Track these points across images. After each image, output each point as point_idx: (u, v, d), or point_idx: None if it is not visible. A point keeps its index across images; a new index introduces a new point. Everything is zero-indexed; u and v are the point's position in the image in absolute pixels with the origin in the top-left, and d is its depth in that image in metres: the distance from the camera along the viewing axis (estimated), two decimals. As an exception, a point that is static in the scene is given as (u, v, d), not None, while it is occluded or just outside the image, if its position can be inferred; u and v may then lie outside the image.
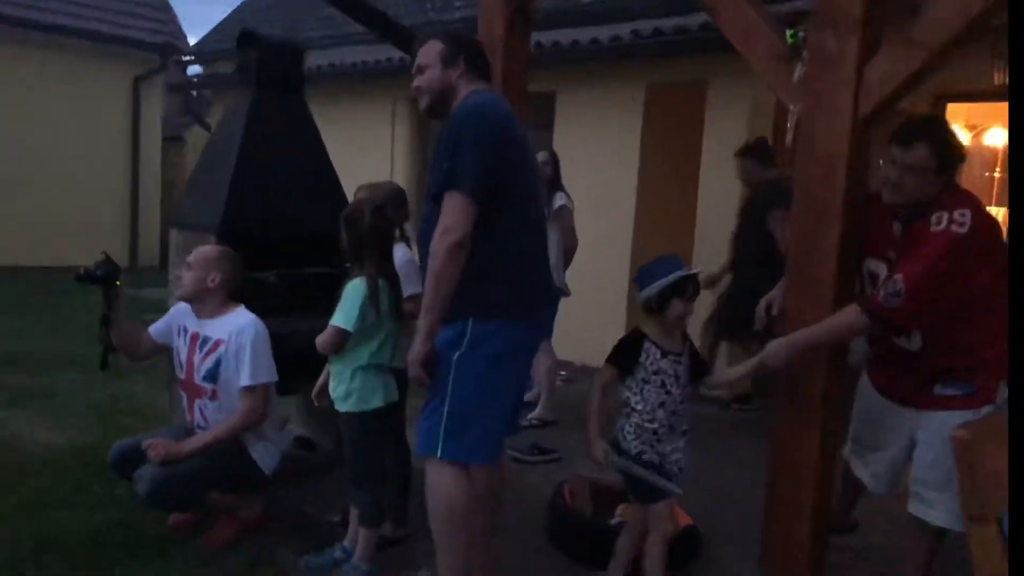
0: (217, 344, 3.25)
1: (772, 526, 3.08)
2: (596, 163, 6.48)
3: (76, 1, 11.33)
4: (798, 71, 2.95)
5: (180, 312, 3.40)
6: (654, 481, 2.89)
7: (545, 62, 6.55)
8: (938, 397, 2.74)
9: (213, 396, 3.29)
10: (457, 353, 2.59)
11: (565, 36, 6.37)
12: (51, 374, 5.67)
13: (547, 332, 2.86)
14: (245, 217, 3.77)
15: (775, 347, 2.79)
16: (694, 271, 2.91)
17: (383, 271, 2.95)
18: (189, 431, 3.37)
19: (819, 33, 2.86)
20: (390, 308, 2.98)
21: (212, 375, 3.26)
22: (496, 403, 2.64)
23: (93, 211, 11.20)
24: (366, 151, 8.22)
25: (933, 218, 2.60)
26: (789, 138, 2.99)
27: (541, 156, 5.24)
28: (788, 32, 2.97)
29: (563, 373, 6.36)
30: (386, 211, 3.07)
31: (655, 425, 2.88)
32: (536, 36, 6.53)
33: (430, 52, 2.68)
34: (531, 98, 6.95)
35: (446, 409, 2.59)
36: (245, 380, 3.21)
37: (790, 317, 2.95)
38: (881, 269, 2.81)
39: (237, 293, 3.34)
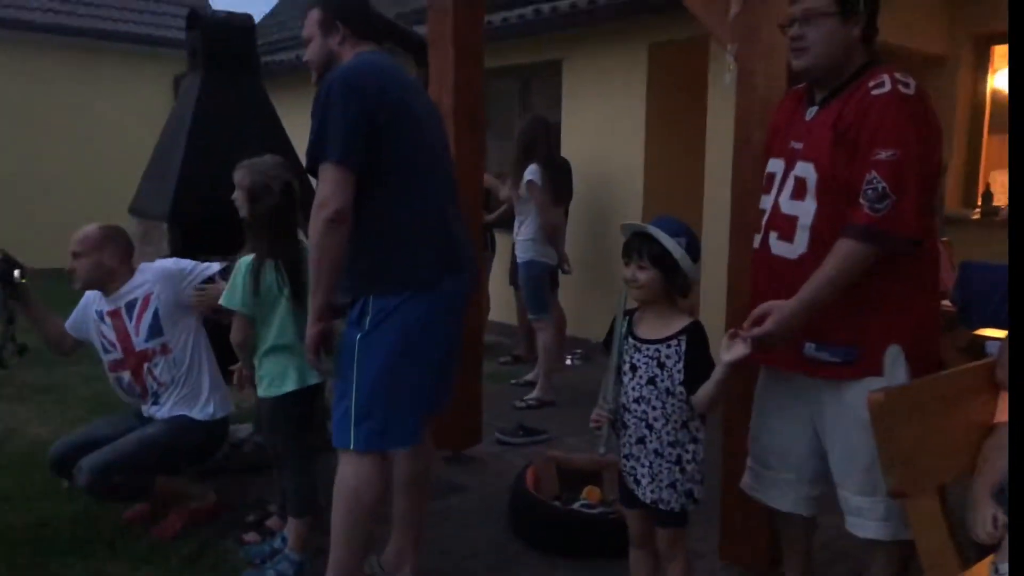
0: (147, 298, 3.23)
1: (729, 510, 2.83)
2: (603, 129, 6.23)
3: (114, 5, 11.59)
4: (733, 7, 2.68)
5: (90, 301, 3.34)
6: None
7: (548, 29, 6.32)
8: (810, 360, 2.21)
9: (163, 350, 3.24)
10: (359, 334, 2.43)
11: (565, 0, 6.11)
12: (66, 368, 5.75)
13: (468, 296, 2.64)
14: (196, 202, 3.68)
15: (784, 316, 2.11)
16: (637, 227, 2.27)
17: (271, 249, 2.83)
18: (139, 414, 3.34)
19: (751, -38, 2.59)
20: (279, 287, 2.84)
21: (155, 328, 3.22)
22: (408, 384, 2.46)
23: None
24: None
25: (871, 83, 2.10)
26: (727, 79, 2.72)
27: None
28: (721, -36, 2.70)
29: (578, 351, 6.15)
30: (282, 188, 2.92)
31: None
32: (537, 5, 6.31)
33: (310, 22, 2.55)
34: (539, 68, 6.76)
35: (353, 396, 2.43)
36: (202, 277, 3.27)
37: (734, 271, 2.70)
38: (778, 167, 2.31)
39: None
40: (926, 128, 2.11)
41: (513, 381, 5.42)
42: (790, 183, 2.26)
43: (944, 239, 5.84)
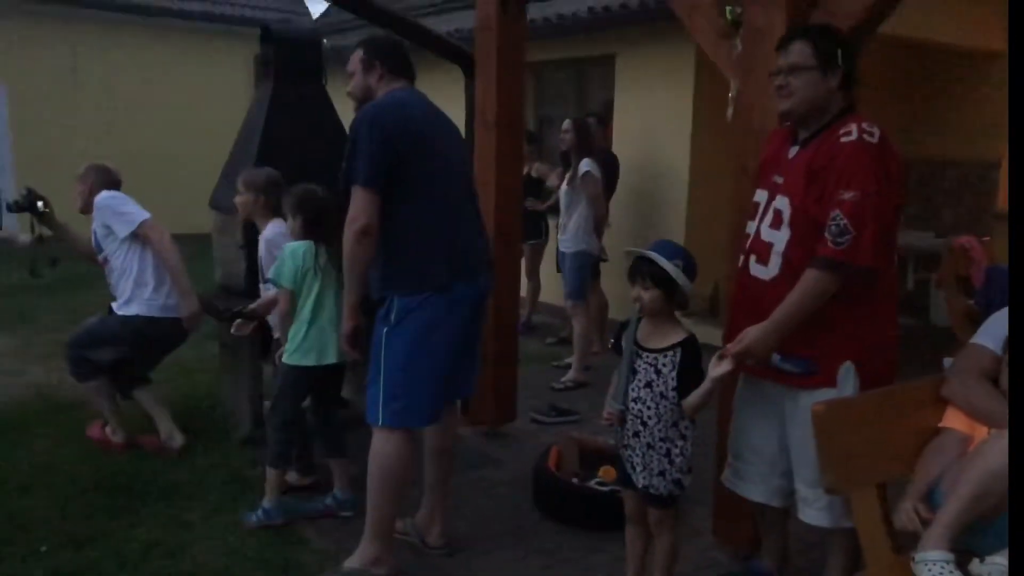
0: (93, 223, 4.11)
1: (721, 498, 3.16)
2: (652, 124, 6.51)
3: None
4: (737, 47, 2.97)
5: None
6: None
7: (601, 25, 6.59)
8: (776, 370, 2.52)
9: (105, 261, 4.13)
10: (386, 328, 2.89)
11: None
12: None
13: (480, 298, 3.06)
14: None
15: (759, 335, 2.46)
16: (640, 252, 2.63)
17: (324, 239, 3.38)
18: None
19: (750, 8, 2.89)
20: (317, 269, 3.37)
21: (98, 246, 4.13)
22: (425, 372, 2.89)
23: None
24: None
25: (841, 130, 2.43)
26: (729, 113, 3.03)
27: (564, 125, 5.39)
28: (727, 8, 2.99)
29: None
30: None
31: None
32: (589, 1, 6.58)
33: (354, 60, 3.01)
34: (591, 62, 7.04)
35: (382, 381, 2.89)
36: (123, 232, 3.99)
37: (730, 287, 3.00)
38: (763, 197, 2.63)
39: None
40: (886, 172, 2.41)
41: (555, 363, 5.80)
42: (770, 213, 2.59)
43: (986, 238, 5.98)
